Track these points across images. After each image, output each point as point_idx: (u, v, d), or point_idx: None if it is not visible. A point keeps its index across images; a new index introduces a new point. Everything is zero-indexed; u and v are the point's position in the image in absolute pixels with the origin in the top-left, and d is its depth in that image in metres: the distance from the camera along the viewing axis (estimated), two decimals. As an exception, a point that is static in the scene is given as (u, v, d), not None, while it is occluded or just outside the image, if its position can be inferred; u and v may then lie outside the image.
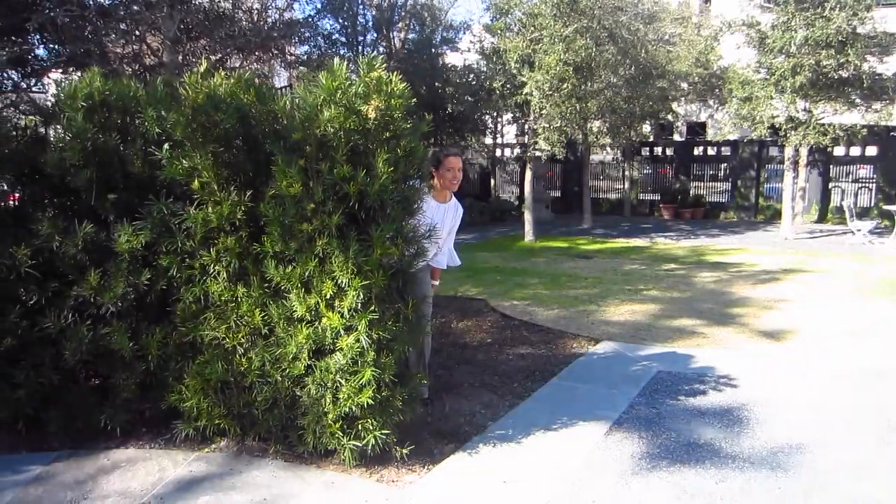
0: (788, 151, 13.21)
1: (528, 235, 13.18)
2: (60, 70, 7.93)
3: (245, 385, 3.35)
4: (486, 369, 4.86)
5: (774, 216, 16.34)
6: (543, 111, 11.77)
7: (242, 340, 3.33)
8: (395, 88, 3.14)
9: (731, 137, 16.29)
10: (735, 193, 17.54)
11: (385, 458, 3.33)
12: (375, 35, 16.26)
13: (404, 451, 3.29)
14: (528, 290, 8.09)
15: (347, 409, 3.13)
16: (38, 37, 6.71)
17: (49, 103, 3.96)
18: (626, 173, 18.77)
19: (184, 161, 3.31)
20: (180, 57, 7.16)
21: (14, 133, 3.68)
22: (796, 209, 14.12)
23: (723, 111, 15.48)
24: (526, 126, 13.65)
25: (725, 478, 3.24)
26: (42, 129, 3.84)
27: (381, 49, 16.02)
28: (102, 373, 3.57)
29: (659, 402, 4.21)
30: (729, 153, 17.64)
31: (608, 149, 18.43)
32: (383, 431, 3.18)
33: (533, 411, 4.11)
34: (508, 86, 12.36)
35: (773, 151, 16.59)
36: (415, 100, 3.34)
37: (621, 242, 13.06)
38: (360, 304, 3.08)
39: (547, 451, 3.54)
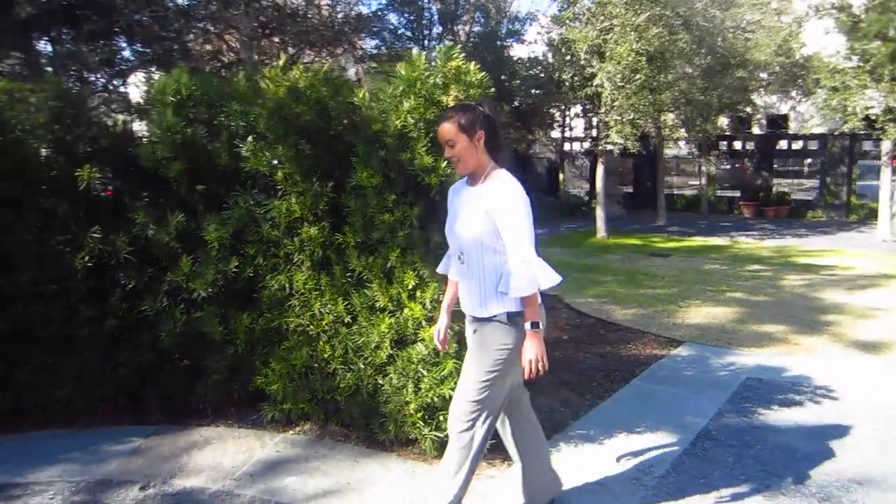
0: (886, 146, 12.38)
1: (601, 232, 12.94)
2: (144, 70, 8.35)
3: (328, 371, 3.44)
4: (562, 366, 4.81)
5: (869, 216, 15.32)
6: (615, 103, 11.51)
7: (326, 328, 3.42)
8: (474, 78, 3.14)
9: (819, 130, 15.44)
10: (824, 191, 16.58)
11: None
12: (441, 28, 16.31)
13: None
14: (603, 287, 7.95)
15: (429, 400, 3.16)
16: (124, 39, 7.08)
17: (137, 101, 4.14)
18: (703, 168, 18.12)
19: (267, 153, 3.43)
20: (255, 54, 7.40)
21: (110, 128, 3.91)
22: (895, 209, 13.23)
23: (807, 102, 14.67)
24: (596, 119, 13.41)
25: (829, 497, 3.05)
26: (133, 125, 4.06)
27: (446, 43, 16.07)
28: (195, 355, 3.73)
29: (750, 411, 4.03)
30: (816, 147, 16.71)
31: (683, 143, 17.85)
32: (463, 422, 3.20)
33: (614, 412, 4.03)
34: (578, 77, 12.15)
35: (867, 145, 15.55)
36: (493, 89, 3.33)
37: (699, 241, 12.61)
38: (441, 296, 3.10)
39: (632, 456, 3.45)
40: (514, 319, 2.44)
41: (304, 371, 3.50)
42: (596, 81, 11.32)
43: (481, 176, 2.50)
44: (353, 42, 9.76)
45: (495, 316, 2.45)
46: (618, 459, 3.41)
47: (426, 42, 15.49)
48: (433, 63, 3.11)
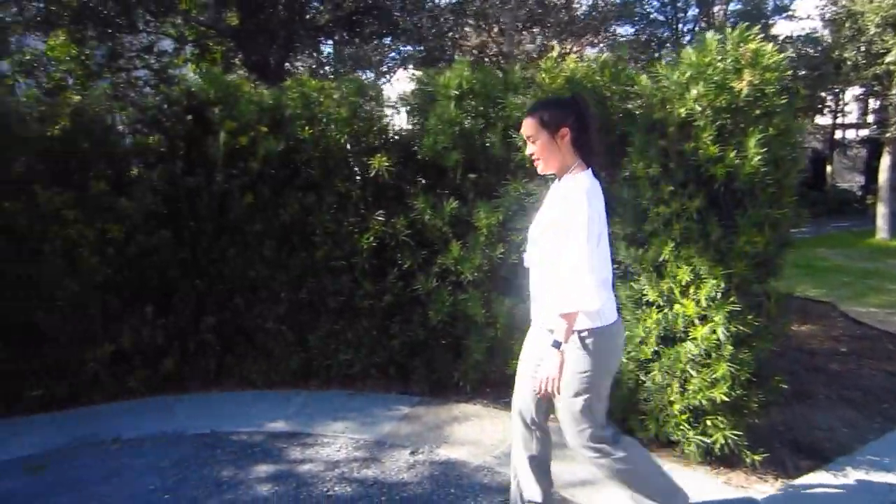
0: None
1: (881, 232, 11.17)
2: (403, 67, 9.02)
3: (587, 363, 3.41)
4: (842, 382, 4.23)
5: None
6: (913, 83, 9.78)
7: (587, 319, 3.39)
8: (771, 61, 2.85)
9: None
10: None
11: (731, 461, 3.11)
12: (698, 10, 15.23)
13: (756, 457, 3.03)
14: (888, 296, 6.84)
15: (696, 402, 2.99)
16: (401, 39, 7.72)
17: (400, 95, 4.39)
18: None
19: (540, 143, 3.47)
20: (515, 46, 7.60)
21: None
22: None
23: None
24: (882, 102, 11.52)
25: None
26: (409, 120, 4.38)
27: (701, 25, 14.97)
28: (458, 334, 3.96)
29: None
30: None
31: None
32: (734, 432, 2.97)
33: (912, 441, 3.45)
34: (863, 55, 10.53)
35: None
36: (790, 72, 3.00)
37: None
38: (719, 294, 2.89)
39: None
40: (586, 338, 2.22)
41: (561, 360, 3.52)
42: (888, 59, 9.71)
43: (563, 176, 2.29)
44: (612, 30, 9.55)
45: (553, 331, 2.24)
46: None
47: (679, 25, 14.61)
48: (724, 45, 2.89)
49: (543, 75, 3.51)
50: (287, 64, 9.29)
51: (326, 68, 8.07)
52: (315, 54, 7.50)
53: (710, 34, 2.89)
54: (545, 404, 2.47)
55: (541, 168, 2.33)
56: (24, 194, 3.76)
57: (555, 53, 3.66)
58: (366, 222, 3.95)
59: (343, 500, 2.92)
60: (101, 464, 3.30)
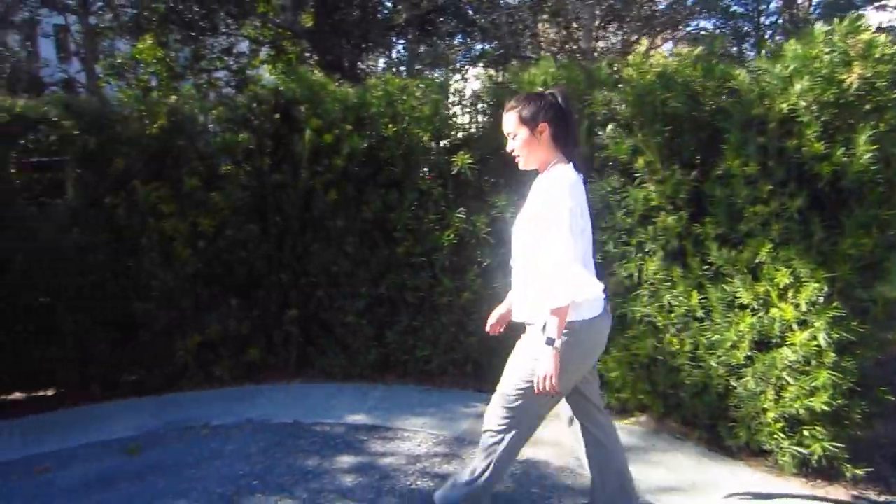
0: None
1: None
2: (483, 64, 9.03)
3: (673, 366, 3.33)
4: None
5: None
6: None
7: (675, 321, 3.31)
8: (884, 53, 2.70)
9: None
10: None
11: (828, 474, 2.97)
12: (781, 2, 14.57)
13: (858, 470, 2.88)
14: None
15: (793, 411, 2.87)
16: (476, 37, 7.74)
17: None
18: None
19: (627, 140, 3.40)
20: (594, 42, 7.51)
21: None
22: None
23: None
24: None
25: None
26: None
27: (785, 18, 14.33)
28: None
29: None
30: None
31: None
32: (834, 444, 2.83)
33: None
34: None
35: None
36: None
37: None
38: (820, 298, 2.77)
39: None
40: (568, 330, 2.18)
41: (646, 362, 3.45)
42: None
43: (543, 171, 2.29)
44: (689, 25, 9.29)
45: (534, 323, 2.27)
46: None
47: (761, 18, 14.03)
48: (831, 37, 2.75)
49: (631, 71, 3.43)
50: (359, 63, 9.48)
51: (401, 67, 8.17)
52: (388, 53, 7.61)
53: (818, 25, 2.76)
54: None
55: (521, 164, 2.34)
56: (123, 190, 3.95)
57: (642, 48, 3.59)
58: (446, 219, 3.97)
59: (426, 495, 2.94)
60: (193, 448, 3.44)
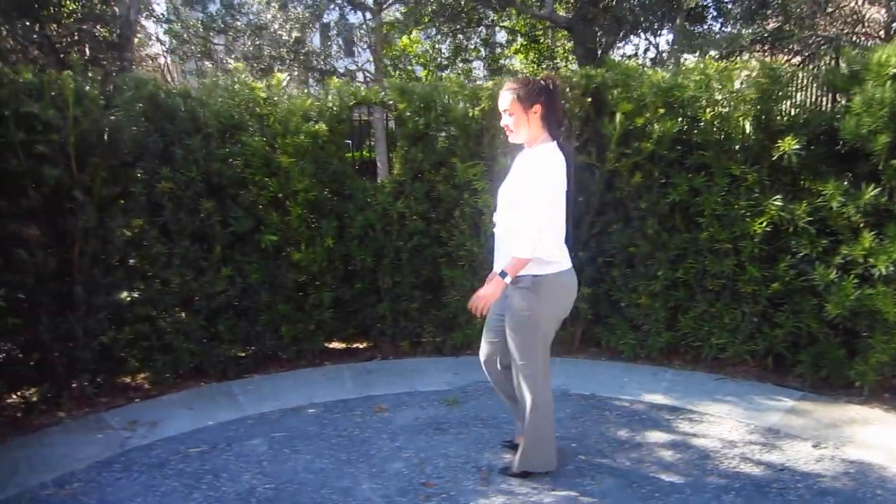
0: None
1: None
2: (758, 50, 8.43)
3: None
4: None
5: None
6: None
7: None
8: None
9: None
10: None
11: None
12: None
13: None
14: None
15: None
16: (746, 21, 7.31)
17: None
18: None
19: None
20: None
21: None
22: None
23: None
24: None
25: None
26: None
27: None
28: (856, 331, 3.68)
29: None
30: None
31: None
32: None
33: None
34: None
35: None
36: None
37: None
38: None
39: None
40: (537, 283, 2.57)
41: None
42: None
43: (531, 146, 2.64)
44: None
45: (519, 281, 2.59)
46: None
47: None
48: None
49: None
50: (610, 52, 9.44)
51: (662, 52, 7.98)
52: (650, 39, 7.48)
53: None
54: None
55: (511, 138, 2.67)
56: (444, 166, 4.38)
57: None
58: (759, 206, 3.85)
59: (754, 479, 2.92)
60: (502, 406, 3.68)
